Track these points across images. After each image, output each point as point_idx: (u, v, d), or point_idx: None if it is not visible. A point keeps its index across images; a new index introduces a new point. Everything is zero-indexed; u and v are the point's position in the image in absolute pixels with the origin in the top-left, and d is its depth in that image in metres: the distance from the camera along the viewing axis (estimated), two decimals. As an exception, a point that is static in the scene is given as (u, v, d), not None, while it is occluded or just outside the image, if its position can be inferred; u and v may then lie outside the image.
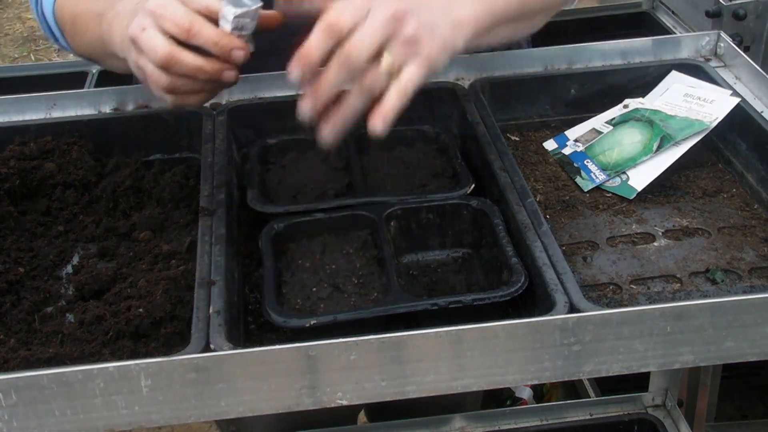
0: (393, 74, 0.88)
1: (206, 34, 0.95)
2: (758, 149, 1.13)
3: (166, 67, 0.96)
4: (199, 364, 0.79)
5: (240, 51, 0.96)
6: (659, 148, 1.13)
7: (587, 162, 1.16)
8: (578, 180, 1.14)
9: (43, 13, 1.28)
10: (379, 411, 1.82)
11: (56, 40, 1.30)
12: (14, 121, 1.21)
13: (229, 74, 0.98)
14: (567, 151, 1.20)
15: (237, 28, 0.96)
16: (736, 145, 1.16)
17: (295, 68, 0.87)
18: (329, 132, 0.90)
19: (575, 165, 1.17)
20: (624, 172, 1.13)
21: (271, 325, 0.92)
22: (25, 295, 0.98)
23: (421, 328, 0.81)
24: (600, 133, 1.21)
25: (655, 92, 1.24)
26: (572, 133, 1.23)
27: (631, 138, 1.17)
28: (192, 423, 1.21)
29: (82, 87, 2.14)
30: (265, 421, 1.60)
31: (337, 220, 1.03)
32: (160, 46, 0.95)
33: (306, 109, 0.89)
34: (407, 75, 0.88)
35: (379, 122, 0.88)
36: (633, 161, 1.13)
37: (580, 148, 1.20)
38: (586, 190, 1.12)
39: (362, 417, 1.97)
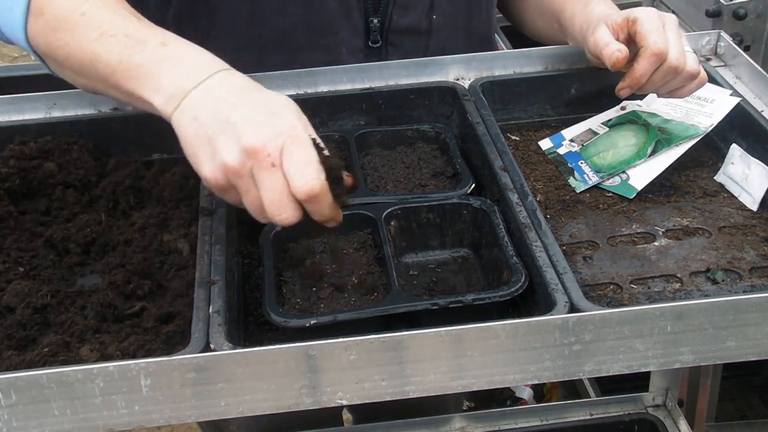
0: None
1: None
2: (759, 148, 1.12)
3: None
4: (199, 364, 0.79)
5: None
6: (653, 152, 1.13)
7: (581, 163, 1.16)
8: (571, 180, 1.14)
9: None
10: (363, 407, 1.80)
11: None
12: (14, 121, 1.20)
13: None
14: (562, 150, 1.20)
15: None
16: (737, 145, 1.16)
17: (625, 90, 1.14)
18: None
19: (569, 165, 1.17)
20: (624, 172, 1.13)
21: (271, 325, 0.92)
22: (24, 295, 0.98)
23: (421, 328, 0.81)
24: (596, 134, 1.21)
25: (655, 92, 1.24)
26: (568, 132, 1.23)
27: (626, 141, 1.17)
28: (192, 423, 1.21)
29: (82, 87, 2.14)
30: (251, 422, 1.59)
31: (337, 220, 1.03)
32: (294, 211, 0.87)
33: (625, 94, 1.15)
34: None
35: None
36: (626, 164, 1.13)
37: (576, 148, 1.19)
38: (578, 192, 1.12)
39: (346, 414, 1.96)
